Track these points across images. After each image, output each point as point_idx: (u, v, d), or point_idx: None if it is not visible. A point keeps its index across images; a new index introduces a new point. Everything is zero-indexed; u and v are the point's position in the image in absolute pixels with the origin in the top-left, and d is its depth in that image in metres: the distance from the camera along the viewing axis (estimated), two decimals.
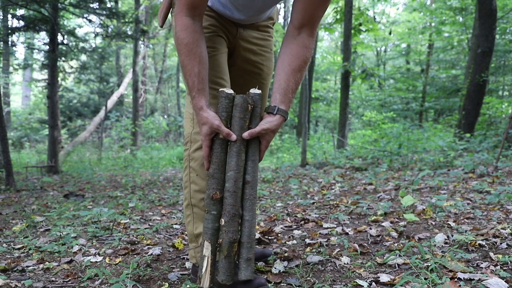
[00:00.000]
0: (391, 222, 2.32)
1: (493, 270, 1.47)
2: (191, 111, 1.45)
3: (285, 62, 1.36)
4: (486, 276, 1.39)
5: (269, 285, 1.42)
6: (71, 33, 8.21)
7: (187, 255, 1.84)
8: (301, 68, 1.37)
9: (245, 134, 1.27)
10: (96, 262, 1.81)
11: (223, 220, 1.23)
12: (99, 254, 1.94)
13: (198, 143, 1.43)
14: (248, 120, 1.31)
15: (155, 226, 2.52)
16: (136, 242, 2.16)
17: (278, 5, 1.62)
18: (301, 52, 1.36)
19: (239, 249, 1.25)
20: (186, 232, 1.64)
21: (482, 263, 1.55)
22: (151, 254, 1.89)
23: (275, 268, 1.59)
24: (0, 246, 2.07)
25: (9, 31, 7.89)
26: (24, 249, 2.06)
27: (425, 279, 1.37)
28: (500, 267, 1.50)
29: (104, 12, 7.51)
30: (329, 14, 12.41)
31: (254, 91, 1.32)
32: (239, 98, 1.30)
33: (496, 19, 7.35)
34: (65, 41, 8.25)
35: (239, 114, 1.29)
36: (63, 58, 8.31)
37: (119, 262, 1.80)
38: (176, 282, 1.52)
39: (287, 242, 2.02)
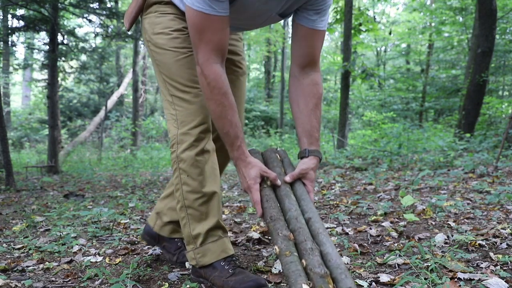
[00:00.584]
0: (391, 222, 2.32)
1: (493, 270, 1.47)
2: (174, 112, 1.44)
3: (301, 104, 1.39)
4: (486, 276, 1.40)
5: (269, 285, 1.42)
6: (71, 33, 8.20)
7: None
8: (318, 105, 1.40)
9: (287, 178, 1.29)
10: (96, 262, 1.81)
11: (303, 261, 1.10)
12: (99, 254, 1.94)
13: (186, 143, 1.41)
14: (282, 167, 1.36)
15: None
16: (136, 242, 2.16)
17: None
18: (314, 90, 1.40)
19: (335, 285, 1.07)
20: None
21: (482, 263, 1.55)
22: (151, 254, 1.89)
23: (275, 268, 1.59)
24: (0, 246, 2.07)
25: (9, 31, 7.89)
26: (24, 249, 2.06)
27: (425, 279, 1.37)
28: (500, 267, 1.51)
29: (104, 12, 7.51)
30: (329, 14, 12.41)
31: (278, 148, 1.43)
32: (268, 152, 1.40)
33: (496, 19, 7.35)
34: (65, 41, 8.25)
35: (272, 163, 1.36)
36: (63, 58, 8.31)
37: (119, 262, 1.80)
38: (176, 282, 1.52)
39: None
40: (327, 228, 2.29)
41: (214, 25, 1.24)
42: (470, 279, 1.39)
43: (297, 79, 1.43)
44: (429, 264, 1.50)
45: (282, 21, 21.61)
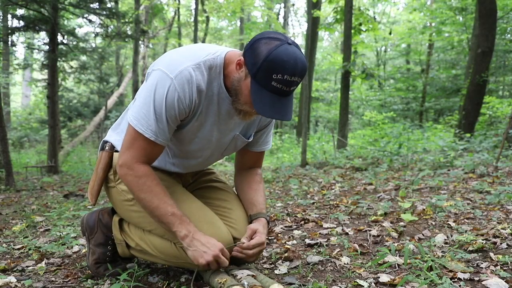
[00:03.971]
0: (391, 222, 2.32)
1: (493, 270, 1.47)
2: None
3: (245, 188, 1.57)
4: (486, 276, 1.39)
5: (276, 284, 1.41)
6: (71, 33, 8.21)
7: None
8: (259, 186, 1.58)
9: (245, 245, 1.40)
10: None
11: None
12: None
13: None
14: None
15: None
16: None
17: None
18: (256, 178, 1.59)
19: None
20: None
21: (482, 263, 1.55)
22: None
23: (279, 269, 1.59)
24: (0, 246, 2.07)
25: (9, 31, 7.89)
26: (24, 249, 2.06)
27: (425, 279, 1.37)
28: (500, 267, 1.50)
29: (104, 12, 7.51)
30: (329, 14, 12.41)
31: None
32: None
33: (496, 19, 7.34)
34: (65, 41, 8.24)
35: None
36: (63, 58, 8.31)
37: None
38: (174, 281, 1.51)
39: (287, 242, 2.02)
40: (327, 228, 2.29)
41: (149, 145, 1.32)
42: (470, 279, 1.39)
43: (240, 174, 1.62)
44: (430, 264, 1.49)
45: (282, 21, 21.62)
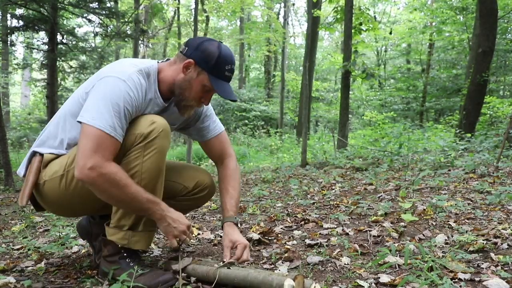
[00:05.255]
0: (392, 223, 2.31)
1: (494, 270, 1.47)
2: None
3: (222, 188, 1.70)
4: (487, 277, 1.39)
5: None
6: (71, 32, 8.19)
7: (186, 255, 1.83)
8: (234, 184, 1.71)
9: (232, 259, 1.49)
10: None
11: None
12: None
13: None
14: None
15: None
16: None
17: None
18: (228, 172, 1.73)
19: None
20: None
21: (483, 264, 1.54)
22: (151, 254, 1.88)
23: (279, 269, 1.58)
24: (0, 247, 2.07)
25: (9, 30, 7.88)
26: (23, 250, 2.06)
27: (426, 279, 1.36)
28: (501, 267, 1.50)
29: (104, 12, 7.50)
30: (329, 14, 12.41)
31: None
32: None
33: (497, 19, 7.33)
34: (65, 41, 8.23)
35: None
36: (62, 58, 8.29)
37: None
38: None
39: (287, 243, 2.01)
40: (327, 228, 2.28)
41: (112, 143, 1.36)
42: (471, 280, 1.38)
43: (219, 171, 1.75)
44: (430, 265, 1.49)
45: (282, 20, 21.62)
